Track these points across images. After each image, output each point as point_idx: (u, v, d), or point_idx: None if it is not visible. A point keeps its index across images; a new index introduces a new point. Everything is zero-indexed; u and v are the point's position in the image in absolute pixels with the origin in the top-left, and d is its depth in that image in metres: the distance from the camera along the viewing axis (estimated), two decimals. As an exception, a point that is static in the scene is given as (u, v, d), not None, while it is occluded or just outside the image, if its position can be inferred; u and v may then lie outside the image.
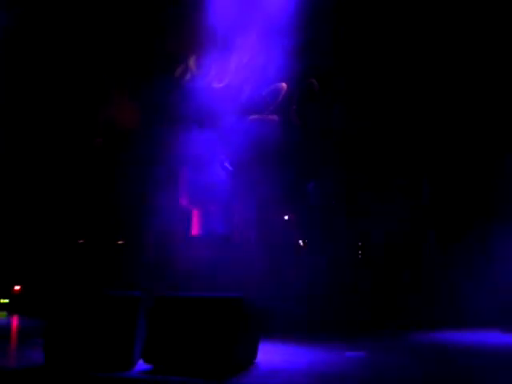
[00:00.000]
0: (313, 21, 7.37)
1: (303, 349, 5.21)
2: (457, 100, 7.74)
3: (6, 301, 8.54)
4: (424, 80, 7.75)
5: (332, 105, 8.43)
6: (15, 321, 7.48)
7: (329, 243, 7.36)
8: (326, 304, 6.95)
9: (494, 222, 7.26)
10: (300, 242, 7.78)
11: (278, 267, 6.60)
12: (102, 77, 8.15)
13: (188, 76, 7.28)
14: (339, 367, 4.24)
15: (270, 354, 4.61)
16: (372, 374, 4.09)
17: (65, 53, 8.60)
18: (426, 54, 7.72)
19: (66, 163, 8.51)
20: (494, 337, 6.19)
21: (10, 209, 8.61)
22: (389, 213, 6.34)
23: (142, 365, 4.00)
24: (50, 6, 8.48)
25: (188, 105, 6.84)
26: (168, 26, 7.78)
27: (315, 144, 8.47)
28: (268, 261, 6.55)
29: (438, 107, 7.74)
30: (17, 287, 8.57)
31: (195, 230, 7.70)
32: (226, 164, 6.14)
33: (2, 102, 8.61)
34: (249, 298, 4.18)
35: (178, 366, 3.94)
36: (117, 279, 6.90)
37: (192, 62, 7.36)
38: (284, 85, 7.35)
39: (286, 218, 7.40)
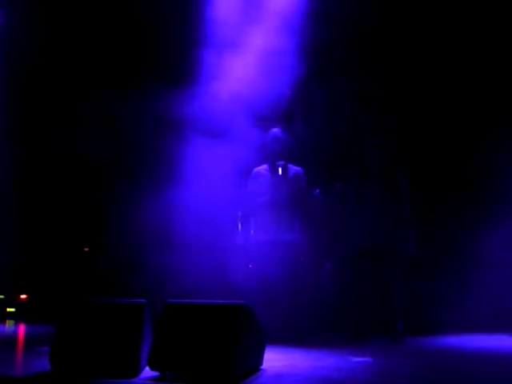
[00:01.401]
0: (317, 24, 7.38)
1: (309, 354, 5.22)
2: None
3: (13, 309, 8.56)
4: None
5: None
6: (22, 329, 7.49)
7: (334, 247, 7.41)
8: (330, 307, 6.98)
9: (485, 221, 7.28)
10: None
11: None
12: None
13: None
14: (345, 373, 4.24)
15: (275, 360, 4.62)
16: (380, 381, 4.09)
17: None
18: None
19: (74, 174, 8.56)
20: (503, 341, 6.18)
21: (15, 216, 8.64)
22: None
23: (148, 372, 4.00)
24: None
25: (195, 115, 6.82)
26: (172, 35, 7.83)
27: (320, 150, 8.50)
28: None
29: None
30: (23, 296, 8.59)
31: None
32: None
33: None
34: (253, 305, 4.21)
35: (184, 373, 3.95)
36: (124, 287, 6.91)
37: None
38: (289, 91, 7.33)
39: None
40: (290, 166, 6.22)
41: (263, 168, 6.18)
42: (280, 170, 6.04)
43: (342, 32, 7.92)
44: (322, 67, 7.63)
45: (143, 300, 4.26)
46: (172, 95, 7.55)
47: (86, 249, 8.83)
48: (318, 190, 7.63)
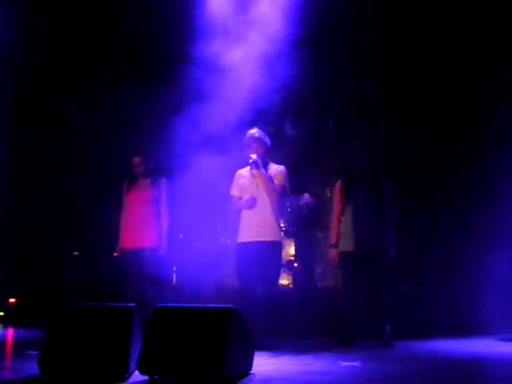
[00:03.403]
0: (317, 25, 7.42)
1: (298, 358, 5.22)
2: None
3: (1, 314, 8.52)
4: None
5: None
6: (10, 333, 7.46)
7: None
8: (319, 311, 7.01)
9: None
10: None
11: None
12: None
13: None
14: (334, 377, 4.25)
15: (264, 364, 4.64)
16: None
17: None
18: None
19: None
20: (492, 346, 6.19)
21: (4, 220, 8.61)
22: None
23: (137, 376, 4.00)
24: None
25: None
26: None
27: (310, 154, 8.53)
28: None
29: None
30: (12, 300, 8.55)
31: None
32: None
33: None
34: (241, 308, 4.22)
35: (173, 377, 3.95)
36: (112, 292, 6.89)
37: None
38: (279, 94, 7.31)
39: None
40: (271, 164, 6.16)
41: (245, 170, 6.15)
42: (251, 160, 5.94)
43: (335, 28, 7.98)
44: (313, 66, 7.63)
45: (133, 304, 4.27)
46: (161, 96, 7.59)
47: (75, 253, 8.80)
48: (307, 194, 7.67)
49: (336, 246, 6.29)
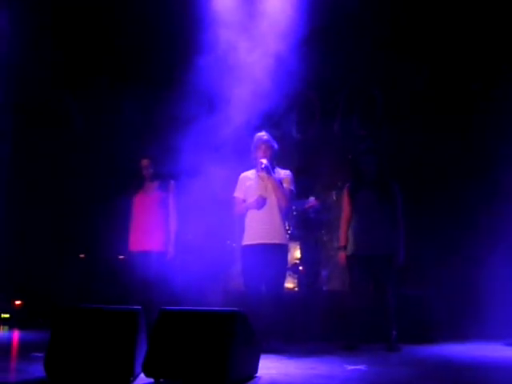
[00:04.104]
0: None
1: (303, 361, 5.21)
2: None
3: (7, 315, 8.54)
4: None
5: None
6: (16, 335, 7.48)
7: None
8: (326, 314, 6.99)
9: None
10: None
11: None
12: None
13: None
14: (340, 381, 4.23)
15: (269, 368, 4.63)
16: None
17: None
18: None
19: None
20: (498, 350, 6.16)
21: (10, 222, 8.63)
22: None
23: (143, 379, 4.00)
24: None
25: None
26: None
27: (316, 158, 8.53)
28: None
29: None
30: (18, 302, 8.57)
31: None
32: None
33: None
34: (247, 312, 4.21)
35: (179, 380, 3.95)
36: (118, 294, 6.89)
37: None
38: (284, 97, 7.31)
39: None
40: (277, 168, 6.16)
41: (251, 172, 6.15)
42: (263, 164, 5.92)
43: (342, 26, 7.97)
44: (318, 68, 7.62)
45: (138, 307, 4.27)
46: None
47: (81, 255, 8.81)
48: (312, 198, 7.66)
49: (345, 248, 6.29)
